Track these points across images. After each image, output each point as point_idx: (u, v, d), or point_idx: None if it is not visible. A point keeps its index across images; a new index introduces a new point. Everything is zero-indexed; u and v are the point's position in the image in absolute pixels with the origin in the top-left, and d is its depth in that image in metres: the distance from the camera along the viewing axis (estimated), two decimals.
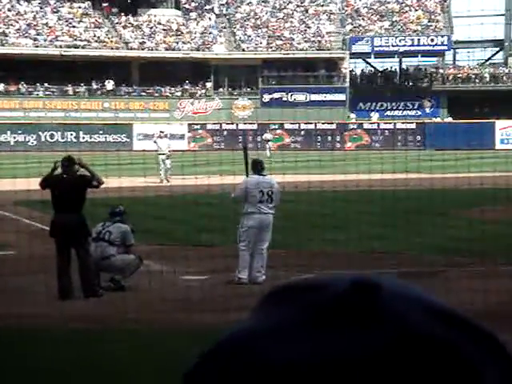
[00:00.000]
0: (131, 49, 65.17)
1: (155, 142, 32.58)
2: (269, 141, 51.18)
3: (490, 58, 72.95)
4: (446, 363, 0.66)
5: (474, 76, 66.61)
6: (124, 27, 67.50)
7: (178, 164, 30.96)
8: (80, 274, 11.94)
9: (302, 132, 60.11)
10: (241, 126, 59.89)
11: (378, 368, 0.62)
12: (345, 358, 0.62)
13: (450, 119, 61.87)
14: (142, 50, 65.12)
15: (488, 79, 66.17)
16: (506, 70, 66.99)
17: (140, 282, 12.14)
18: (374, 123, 61.45)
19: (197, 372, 0.71)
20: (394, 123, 60.93)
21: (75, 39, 64.85)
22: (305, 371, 0.62)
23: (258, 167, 12.62)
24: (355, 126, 60.92)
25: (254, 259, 12.48)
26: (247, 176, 12.65)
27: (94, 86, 63.60)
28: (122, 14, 68.17)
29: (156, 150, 31.93)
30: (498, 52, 73.11)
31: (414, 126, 60.23)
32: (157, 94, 63.95)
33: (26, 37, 64.22)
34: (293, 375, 0.62)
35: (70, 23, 66.57)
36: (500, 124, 59.57)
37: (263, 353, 0.65)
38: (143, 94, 64.00)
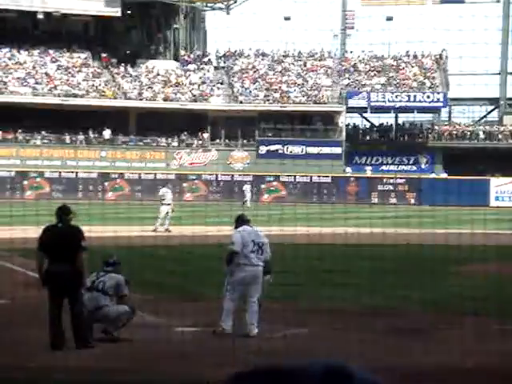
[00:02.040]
0: (129, 99, 65.52)
1: (163, 193, 32.68)
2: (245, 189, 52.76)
3: (485, 116, 73.54)
4: None
5: (469, 133, 67.04)
6: (122, 77, 67.97)
7: (177, 215, 31.00)
8: (72, 325, 11.75)
9: (298, 185, 60.27)
10: (236, 177, 60.03)
11: None
12: None
13: (445, 175, 62.10)
14: (140, 100, 65.48)
15: (483, 137, 66.58)
16: (501, 128, 67.46)
17: (133, 334, 11.97)
18: (370, 177, 61.62)
19: None
20: (392, 177, 61.12)
21: (74, 88, 65.22)
22: None
23: (243, 220, 12.61)
24: (351, 180, 61.11)
25: (247, 313, 12.37)
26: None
27: (92, 135, 63.82)
28: (121, 64, 68.70)
29: (161, 200, 32.06)
30: (493, 110, 73.72)
31: (408, 181, 60.45)
32: (154, 144, 64.16)
33: (24, 85, 64.59)
34: None
35: (70, 73, 67.03)
36: (495, 181, 59.80)
37: None
38: (140, 143, 64.20)
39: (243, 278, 12.25)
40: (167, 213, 31.18)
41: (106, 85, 66.58)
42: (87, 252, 12.00)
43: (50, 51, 68.28)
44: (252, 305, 12.39)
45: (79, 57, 68.69)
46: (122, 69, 68.42)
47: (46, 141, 62.87)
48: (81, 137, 63.33)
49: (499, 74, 73.80)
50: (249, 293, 12.36)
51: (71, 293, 11.76)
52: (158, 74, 68.59)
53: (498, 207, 52.86)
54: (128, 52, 70.36)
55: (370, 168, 64.33)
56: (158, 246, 20.29)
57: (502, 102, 72.12)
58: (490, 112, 73.90)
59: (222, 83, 68.64)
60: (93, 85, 66.02)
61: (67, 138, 63.03)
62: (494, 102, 73.34)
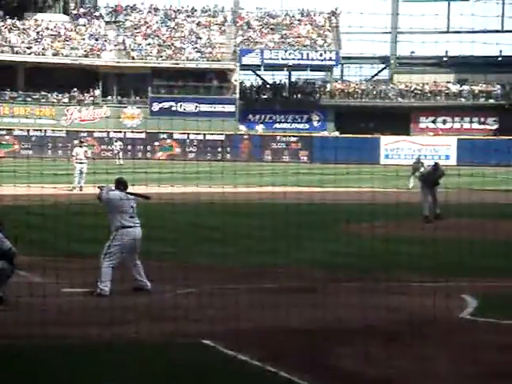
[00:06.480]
0: (17, 53, 63.61)
1: (76, 152, 33.43)
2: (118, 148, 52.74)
3: (376, 75, 74.76)
4: None
5: (360, 91, 68.09)
6: (9, 31, 65.85)
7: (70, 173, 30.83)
8: None
9: (192, 142, 60.12)
10: (129, 135, 59.37)
11: None
12: None
13: (336, 133, 63.00)
14: (29, 54, 63.65)
15: (374, 95, 67.75)
16: (391, 87, 68.79)
17: (19, 294, 11.77)
18: (263, 135, 61.98)
19: None
20: (284, 136, 61.66)
21: None
22: None
23: (121, 186, 12.79)
24: (245, 138, 61.35)
25: (137, 269, 12.69)
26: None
27: None
28: (8, 17, 66.52)
29: (75, 158, 32.68)
30: (384, 69, 75.00)
31: (301, 139, 61.15)
32: (43, 100, 62.61)
33: None
34: None
35: None
36: (385, 139, 61.12)
37: None
38: (28, 99, 62.52)
39: (127, 240, 12.52)
40: (81, 171, 31.70)
41: None
42: None
43: None
44: (137, 264, 12.76)
45: None
46: (8, 22, 66.26)
47: None
48: None
49: (390, 32, 74.98)
50: (133, 253, 12.66)
51: None
52: (47, 28, 66.75)
53: (387, 165, 54.09)
54: (15, 5, 68.14)
55: (261, 126, 64.65)
56: (47, 205, 19.95)
57: (392, 61, 73.44)
58: (380, 71, 75.17)
59: (115, 35, 67.35)
60: None
61: None
62: (384, 60, 74.60)
